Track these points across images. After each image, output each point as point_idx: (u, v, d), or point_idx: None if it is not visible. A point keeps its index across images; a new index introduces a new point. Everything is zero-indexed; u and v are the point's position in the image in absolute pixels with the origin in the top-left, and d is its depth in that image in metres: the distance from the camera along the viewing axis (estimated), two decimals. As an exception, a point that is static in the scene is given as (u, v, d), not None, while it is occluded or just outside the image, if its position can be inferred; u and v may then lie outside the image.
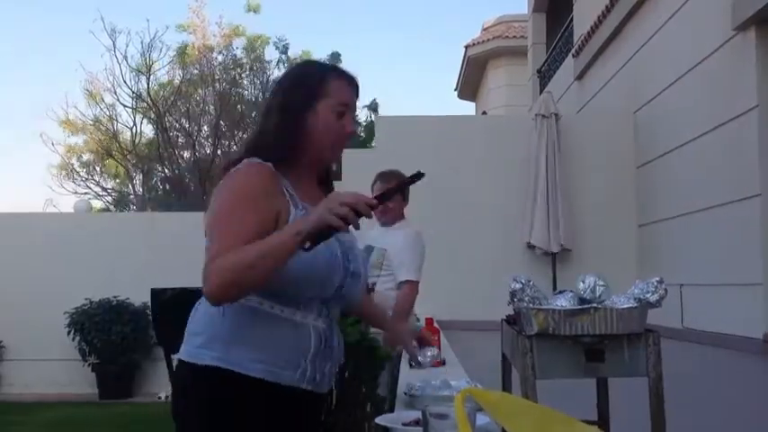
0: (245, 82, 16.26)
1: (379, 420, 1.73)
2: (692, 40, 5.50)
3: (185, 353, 1.73)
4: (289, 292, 1.69)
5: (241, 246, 1.56)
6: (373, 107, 16.06)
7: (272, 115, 1.78)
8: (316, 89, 1.77)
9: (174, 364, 1.77)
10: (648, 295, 2.36)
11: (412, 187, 4.27)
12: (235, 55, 16.27)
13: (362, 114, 16.16)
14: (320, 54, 16.40)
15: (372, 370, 1.82)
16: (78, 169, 17.71)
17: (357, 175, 7.10)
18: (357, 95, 1.84)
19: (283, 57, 16.11)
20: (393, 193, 1.82)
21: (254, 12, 16.48)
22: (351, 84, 1.82)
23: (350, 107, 1.81)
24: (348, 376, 1.77)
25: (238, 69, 16.06)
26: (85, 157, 17.98)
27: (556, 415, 0.87)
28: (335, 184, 1.94)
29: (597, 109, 7.88)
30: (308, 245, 1.53)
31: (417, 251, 4.15)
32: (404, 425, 1.74)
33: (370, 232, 4.18)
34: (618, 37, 7.26)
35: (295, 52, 16.31)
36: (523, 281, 2.50)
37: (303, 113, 1.76)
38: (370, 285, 4.04)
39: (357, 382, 1.79)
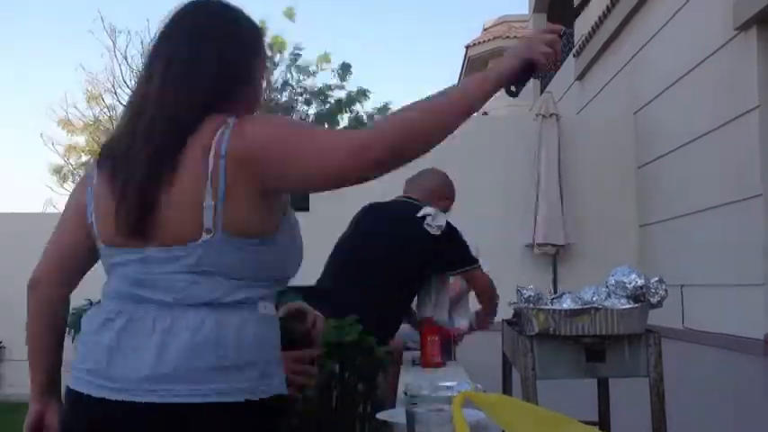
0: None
1: (381, 416, 1.72)
2: (693, 39, 5.49)
3: (239, 391, 1.25)
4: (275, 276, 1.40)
5: None
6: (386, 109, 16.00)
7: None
8: None
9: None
10: (636, 290, 2.36)
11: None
12: None
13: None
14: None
15: (371, 370, 1.82)
16: (78, 170, 17.70)
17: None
18: None
19: (293, 62, 15.99)
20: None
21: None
22: None
23: None
24: (347, 376, 1.77)
25: None
26: (85, 157, 17.98)
27: (556, 417, 0.86)
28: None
29: (598, 109, 7.87)
30: (513, 88, 1.39)
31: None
32: (403, 425, 1.73)
33: None
34: (619, 37, 7.26)
35: (308, 60, 16.17)
36: (525, 287, 2.53)
37: None
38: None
39: (355, 382, 1.78)
